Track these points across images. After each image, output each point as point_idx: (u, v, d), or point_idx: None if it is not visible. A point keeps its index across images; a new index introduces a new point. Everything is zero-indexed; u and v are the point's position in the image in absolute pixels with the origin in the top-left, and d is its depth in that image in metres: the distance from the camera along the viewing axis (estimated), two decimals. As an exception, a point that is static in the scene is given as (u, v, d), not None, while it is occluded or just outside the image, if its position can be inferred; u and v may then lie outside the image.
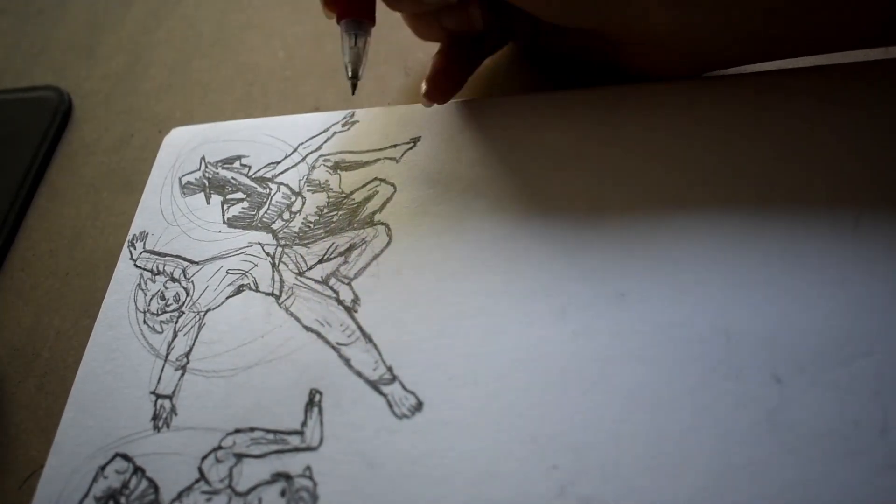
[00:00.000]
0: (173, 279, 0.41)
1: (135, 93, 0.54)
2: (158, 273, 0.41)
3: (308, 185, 0.43)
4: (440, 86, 0.42)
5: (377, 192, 0.41)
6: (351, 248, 0.39)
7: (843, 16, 0.35)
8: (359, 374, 0.35)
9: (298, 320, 0.37)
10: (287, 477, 0.33)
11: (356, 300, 0.37)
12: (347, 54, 0.40)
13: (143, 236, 0.43)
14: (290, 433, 0.34)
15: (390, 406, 0.34)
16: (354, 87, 0.41)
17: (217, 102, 0.50)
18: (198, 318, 0.39)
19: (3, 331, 0.43)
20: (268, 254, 0.40)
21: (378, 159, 0.42)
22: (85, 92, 0.55)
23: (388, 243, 0.39)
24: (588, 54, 0.42)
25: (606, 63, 0.42)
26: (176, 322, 0.39)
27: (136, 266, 0.42)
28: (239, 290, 0.39)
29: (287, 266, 0.39)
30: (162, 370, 0.37)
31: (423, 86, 0.42)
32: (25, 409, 0.40)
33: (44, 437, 0.38)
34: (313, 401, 0.35)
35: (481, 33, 0.42)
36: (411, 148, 0.42)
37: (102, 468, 0.35)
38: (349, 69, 0.41)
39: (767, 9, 0.36)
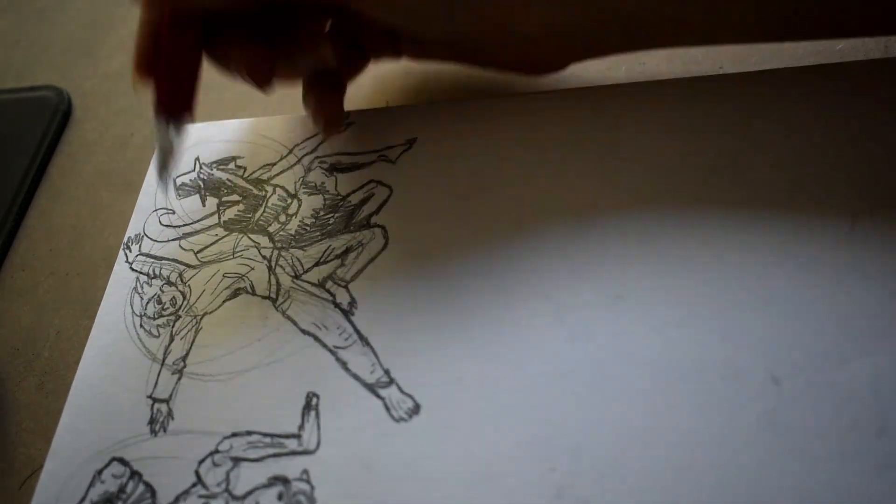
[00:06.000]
0: (170, 283, 0.41)
1: (135, 92, 0.54)
2: (155, 277, 0.41)
3: (304, 188, 0.42)
4: (329, 117, 0.42)
5: (373, 194, 0.41)
6: (347, 250, 0.39)
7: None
8: (356, 377, 0.35)
9: (295, 323, 0.37)
10: (284, 480, 0.33)
11: (353, 303, 0.37)
12: (158, 153, 0.39)
13: (139, 239, 0.43)
14: (287, 436, 0.34)
15: (388, 409, 0.34)
16: (165, 185, 0.40)
17: (215, 101, 0.50)
18: (194, 321, 0.39)
19: (3, 330, 0.44)
20: (264, 257, 0.40)
21: (373, 160, 0.42)
22: (85, 92, 0.55)
23: (385, 246, 0.39)
24: (450, 60, 0.43)
25: (472, 64, 0.42)
26: (173, 326, 0.39)
27: (133, 269, 0.42)
28: (236, 294, 0.39)
29: (283, 269, 0.39)
30: (159, 374, 0.38)
31: (319, 125, 0.42)
32: (25, 408, 0.40)
33: (44, 436, 0.38)
34: (310, 404, 0.35)
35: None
36: (407, 149, 0.42)
37: (99, 472, 0.35)
38: (158, 168, 0.39)
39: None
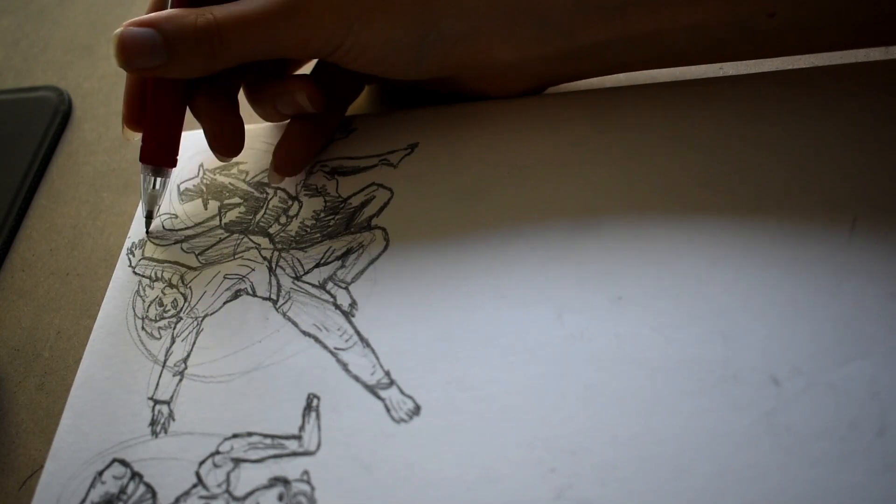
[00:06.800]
0: (171, 285, 0.41)
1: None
2: (157, 279, 0.41)
3: (305, 190, 0.43)
4: (286, 159, 0.42)
5: (374, 196, 0.41)
6: (348, 252, 0.39)
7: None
8: (356, 378, 0.35)
9: (296, 325, 0.37)
10: (285, 481, 0.33)
11: (354, 304, 0.37)
12: (145, 195, 0.42)
13: (142, 244, 0.43)
14: (287, 438, 0.34)
15: (388, 410, 0.34)
16: (148, 225, 0.43)
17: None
18: (196, 323, 0.39)
19: (3, 331, 0.44)
20: (265, 258, 0.40)
21: (375, 164, 0.42)
22: (85, 92, 0.55)
23: (386, 248, 0.39)
24: (432, 86, 0.44)
25: (449, 92, 0.43)
26: (174, 328, 0.39)
27: (135, 273, 0.42)
28: (236, 295, 0.39)
29: (284, 270, 0.40)
30: (160, 376, 0.38)
31: (272, 161, 0.43)
32: (26, 409, 0.40)
33: (44, 437, 0.38)
34: (311, 405, 0.35)
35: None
36: (409, 154, 0.42)
37: (100, 473, 0.35)
38: (144, 209, 0.43)
39: (595, 43, 0.38)
